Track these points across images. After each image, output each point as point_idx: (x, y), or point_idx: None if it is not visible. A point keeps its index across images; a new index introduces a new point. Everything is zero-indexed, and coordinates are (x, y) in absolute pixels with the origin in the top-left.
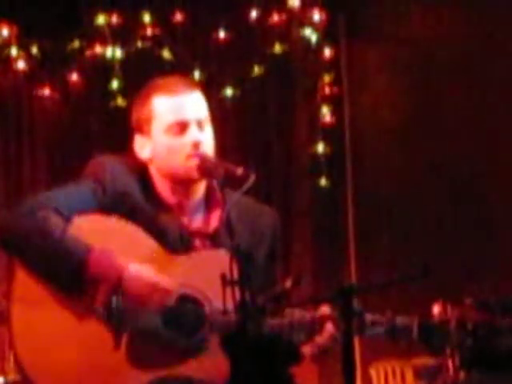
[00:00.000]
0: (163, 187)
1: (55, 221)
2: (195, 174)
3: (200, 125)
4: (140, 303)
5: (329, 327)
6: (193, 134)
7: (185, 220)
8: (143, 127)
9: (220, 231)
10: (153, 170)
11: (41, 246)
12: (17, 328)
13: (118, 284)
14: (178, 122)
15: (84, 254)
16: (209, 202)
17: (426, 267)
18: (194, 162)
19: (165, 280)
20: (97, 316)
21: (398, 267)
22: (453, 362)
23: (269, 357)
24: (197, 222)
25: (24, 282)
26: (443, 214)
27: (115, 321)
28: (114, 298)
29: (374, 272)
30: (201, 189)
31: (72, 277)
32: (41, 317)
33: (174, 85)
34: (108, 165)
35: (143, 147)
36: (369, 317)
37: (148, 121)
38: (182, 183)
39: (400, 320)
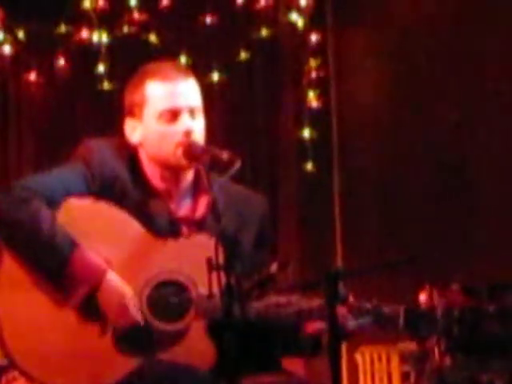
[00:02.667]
0: (152, 172)
1: (45, 213)
2: (185, 162)
3: (192, 113)
4: (105, 313)
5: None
6: (185, 122)
7: (172, 206)
8: (135, 111)
9: (207, 218)
10: (142, 155)
11: (29, 237)
12: (2, 312)
13: (95, 287)
14: (170, 109)
15: (67, 253)
16: (196, 189)
17: (412, 256)
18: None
19: (134, 305)
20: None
21: (385, 253)
22: (438, 347)
23: (256, 342)
24: (184, 208)
25: (10, 266)
26: (431, 200)
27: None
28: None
29: (361, 258)
30: (189, 175)
31: (54, 272)
32: (27, 301)
33: (169, 71)
34: (97, 148)
35: (133, 131)
36: (354, 304)
37: (140, 105)
38: (172, 170)
39: (386, 309)
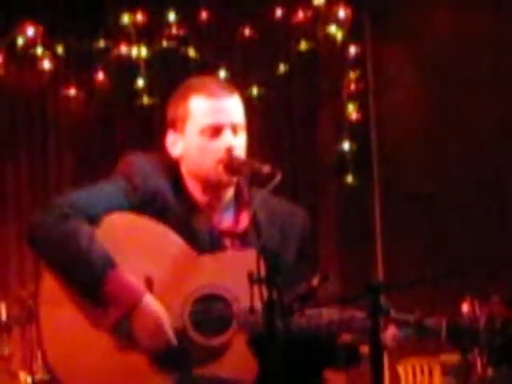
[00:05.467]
0: (194, 186)
1: (84, 231)
2: (225, 178)
3: (235, 129)
4: (138, 337)
5: (391, 327)
6: (227, 138)
7: (214, 220)
8: (177, 124)
9: (249, 231)
10: (183, 169)
11: (66, 255)
12: (45, 327)
13: (130, 311)
14: (213, 125)
15: (103, 273)
16: (238, 202)
17: (453, 269)
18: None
19: (168, 326)
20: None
21: (426, 266)
22: (481, 359)
23: (298, 355)
24: (226, 221)
25: (52, 282)
26: (470, 211)
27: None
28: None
29: (402, 271)
30: (231, 189)
31: (89, 291)
32: (68, 317)
33: (214, 87)
34: (139, 163)
35: (175, 144)
36: (397, 316)
37: (183, 119)
38: (212, 185)
39: (428, 321)
